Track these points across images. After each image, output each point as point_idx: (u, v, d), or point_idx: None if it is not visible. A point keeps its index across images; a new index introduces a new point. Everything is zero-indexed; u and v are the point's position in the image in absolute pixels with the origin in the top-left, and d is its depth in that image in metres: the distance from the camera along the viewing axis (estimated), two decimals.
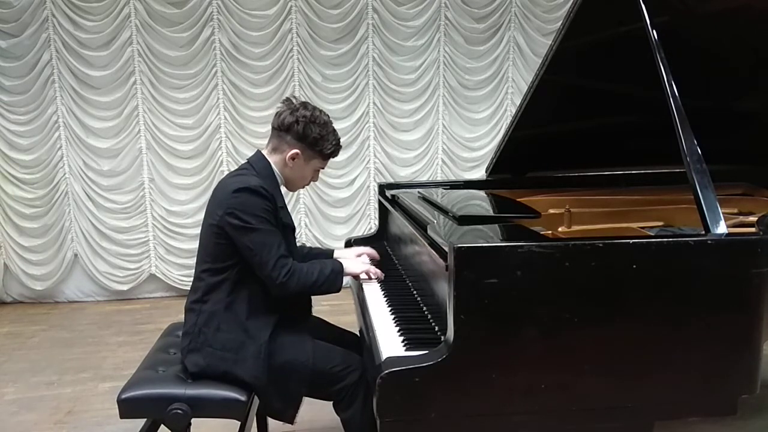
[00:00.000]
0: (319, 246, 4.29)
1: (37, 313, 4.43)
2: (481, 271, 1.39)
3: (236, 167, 2.04)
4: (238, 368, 1.79)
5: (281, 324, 1.86)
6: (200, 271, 1.89)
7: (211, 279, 1.85)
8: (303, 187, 2.10)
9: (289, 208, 4.53)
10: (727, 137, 2.13)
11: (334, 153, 1.98)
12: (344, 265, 1.96)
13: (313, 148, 1.92)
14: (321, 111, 1.94)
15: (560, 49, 2.20)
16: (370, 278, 2.10)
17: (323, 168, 2.04)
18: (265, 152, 1.95)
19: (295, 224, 4.96)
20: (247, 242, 1.76)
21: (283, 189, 2.00)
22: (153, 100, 4.41)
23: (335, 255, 2.30)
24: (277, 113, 1.93)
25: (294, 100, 1.94)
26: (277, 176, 1.94)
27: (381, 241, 2.73)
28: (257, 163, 1.93)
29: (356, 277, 2.11)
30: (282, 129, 1.91)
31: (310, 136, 1.89)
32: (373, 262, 2.37)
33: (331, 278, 1.87)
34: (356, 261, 2.18)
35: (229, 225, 1.77)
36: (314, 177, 2.03)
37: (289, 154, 1.90)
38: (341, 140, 2.01)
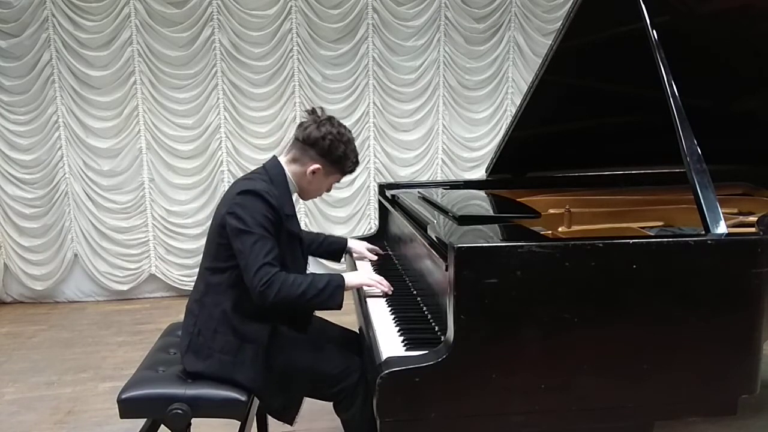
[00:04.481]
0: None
1: (37, 313, 4.43)
2: (481, 271, 1.39)
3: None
4: (236, 372, 1.78)
5: (281, 325, 1.86)
6: (203, 268, 1.89)
7: (212, 278, 1.85)
8: (316, 197, 2.09)
9: None
10: (727, 137, 2.12)
11: (353, 170, 1.98)
12: (346, 279, 1.83)
13: (335, 165, 1.91)
14: (346, 128, 1.93)
15: (560, 49, 2.19)
16: (376, 290, 1.97)
17: (339, 182, 2.04)
18: (282, 160, 1.93)
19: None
20: (239, 244, 1.74)
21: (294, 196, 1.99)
22: (153, 100, 4.41)
23: (349, 244, 2.39)
24: (301, 124, 1.91)
25: (319, 112, 1.92)
26: (290, 184, 1.92)
27: (381, 241, 2.73)
28: (272, 169, 1.91)
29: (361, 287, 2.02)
30: (307, 143, 1.88)
31: (335, 153, 1.88)
32: (376, 266, 2.36)
33: (327, 292, 1.77)
34: (359, 273, 2.13)
35: (228, 225, 1.77)
36: (329, 189, 2.03)
37: (311, 168, 1.89)
38: None
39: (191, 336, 1.84)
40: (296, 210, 2.08)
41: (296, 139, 1.92)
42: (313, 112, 1.92)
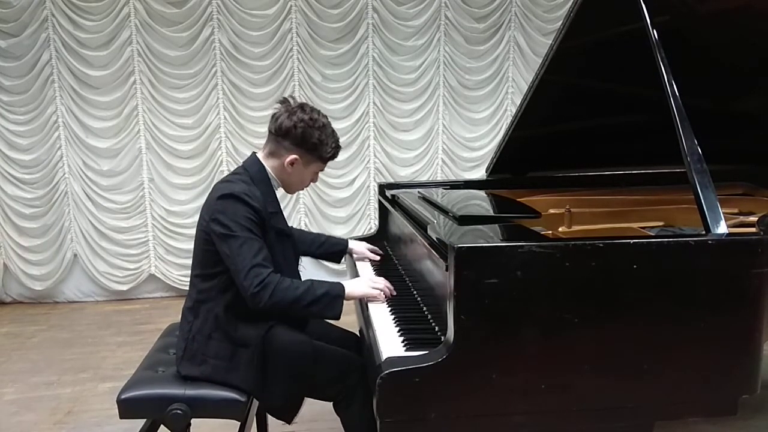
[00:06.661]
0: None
1: (37, 313, 4.43)
2: (481, 271, 1.39)
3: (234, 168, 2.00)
4: (232, 376, 1.78)
5: (280, 325, 1.85)
6: (193, 276, 1.88)
7: (202, 285, 1.83)
8: (302, 189, 2.05)
9: (289, 208, 4.59)
10: (727, 137, 2.12)
11: (334, 156, 1.92)
12: (347, 289, 1.78)
13: (312, 153, 1.85)
14: (319, 113, 1.86)
15: (560, 49, 2.19)
16: (378, 299, 1.91)
17: (322, 170, 1.98)
18: (260, 155, 1.90)
19: (296, 224, 4.92)
20: (225, 249, 1.72)
21: (280, 192, 1.96)
22: (153, 100, 4.41)
23: (350, 245, 2.38)
24: (273, 116, 1.86)
25: (291, 101, 1.87)
26: (272, 180, 1.89)
27: (381, 241, 2.73)
28: (251, 167, 1.87)
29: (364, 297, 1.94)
30: (279, 134, 1.83)
31: (309, 141, 1.82)
32: (376, 267, 2.35)
33: (325, 301, 1.72)
34: (361, 282, 1.98)
35: (213, 231, 1.74)
36: (314, 179, 1.98)
37: (288, 159, 1.84)
38: (341, 140, 1.97)
39: (186, 342, 1.83)
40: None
41: (270, 132, 1.87)
42: (284, 101, 1.87)
